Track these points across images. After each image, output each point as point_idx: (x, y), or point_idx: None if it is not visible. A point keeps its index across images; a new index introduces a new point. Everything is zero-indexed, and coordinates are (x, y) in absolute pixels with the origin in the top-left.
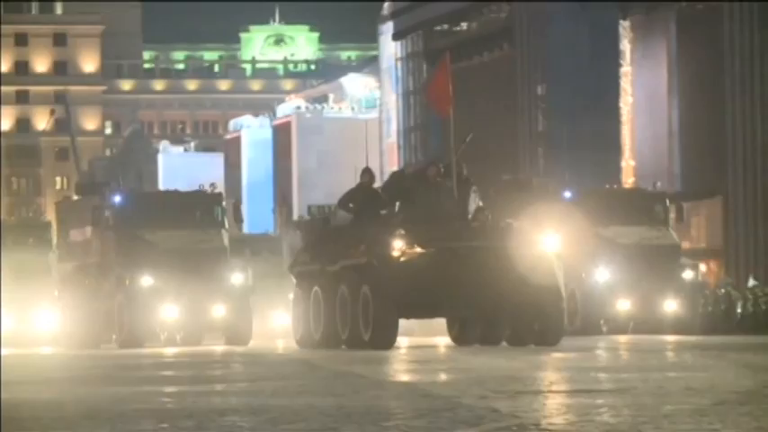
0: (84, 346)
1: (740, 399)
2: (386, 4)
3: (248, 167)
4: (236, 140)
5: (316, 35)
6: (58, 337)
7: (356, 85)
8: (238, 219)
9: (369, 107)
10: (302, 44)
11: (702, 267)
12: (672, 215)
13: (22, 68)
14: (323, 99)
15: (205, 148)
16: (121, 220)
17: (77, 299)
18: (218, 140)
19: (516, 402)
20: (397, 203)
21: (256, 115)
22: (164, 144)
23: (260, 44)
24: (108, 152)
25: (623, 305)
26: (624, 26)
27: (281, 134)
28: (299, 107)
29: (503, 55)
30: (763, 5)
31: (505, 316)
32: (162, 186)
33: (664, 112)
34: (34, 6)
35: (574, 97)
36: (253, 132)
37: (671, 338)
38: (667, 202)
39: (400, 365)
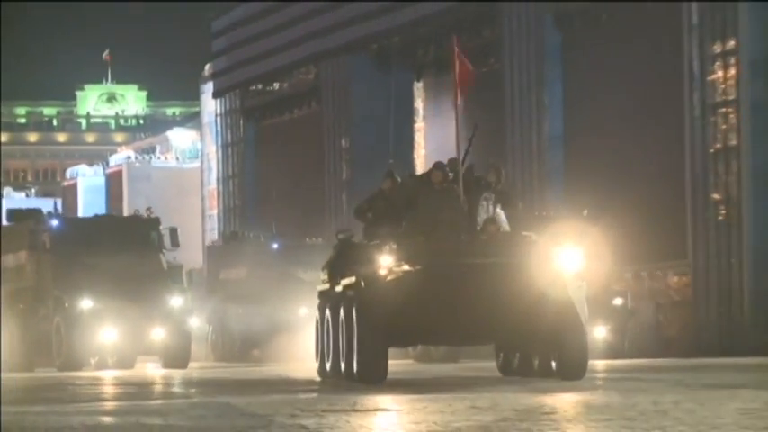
0: (17, 369)
1: (519, 416)
2: (207, 66)
3: (84, 211)
4: (73, 187)
5: (144, 93)
6: None
7: (180, 138)
8: (176, 243)
9: (192, 157)
10: (132, 101)
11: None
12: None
13: None
14: (151, 150)
15: (45, 193)
16: (59, 243)
17: (10, 323)
18: (56, 187)
19: (322, 420)
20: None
21: (91, 164)
22: (7, 190)
23: (94, 101)
24: None
25: None
26: (418, 87)
27: (114, 181)
28: (129, 157)
29: (311, 112)
30: (540, 70)
31: (518, 344)
32: None
33: None
34: None
35: (373, 149)
36: (87, 180)
37: None
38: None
39: (232, 388)
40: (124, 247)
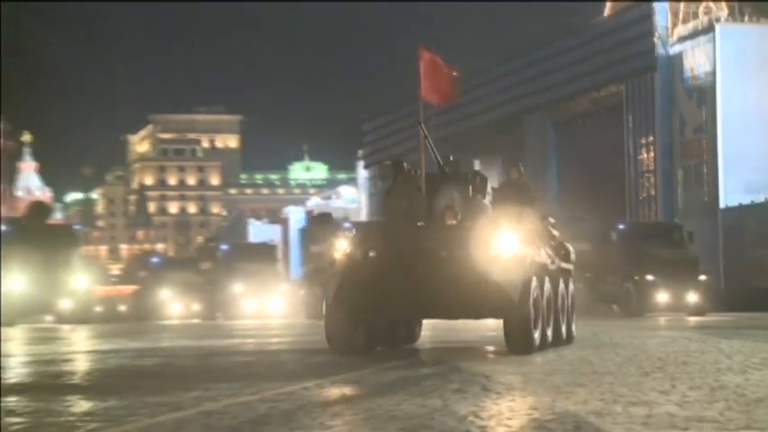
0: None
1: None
2: (360, 150)
3: (292, 232)
4: (287, 219)
5: (326, 166)
6: (290, 312)
7: (346, 191)
8: None
9: (353, 202)
10: (320, 171)
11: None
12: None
13: (181, 184)
14: (329, 198)
15: (272, 222)
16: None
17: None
18: (278, 218)
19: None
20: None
21: (297, 206)
22: (251, 220)
23: (299, 171)
24: (225, 225)
25: (663, 297)
26: (477, 164)
27: (310, 215)
28: (318, 202)
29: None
30: (544, 155)
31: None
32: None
33: None
34: (188, 151)
35: None
36: (294, 215)
37: (664, 317)
38: (684, 229)
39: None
40: None
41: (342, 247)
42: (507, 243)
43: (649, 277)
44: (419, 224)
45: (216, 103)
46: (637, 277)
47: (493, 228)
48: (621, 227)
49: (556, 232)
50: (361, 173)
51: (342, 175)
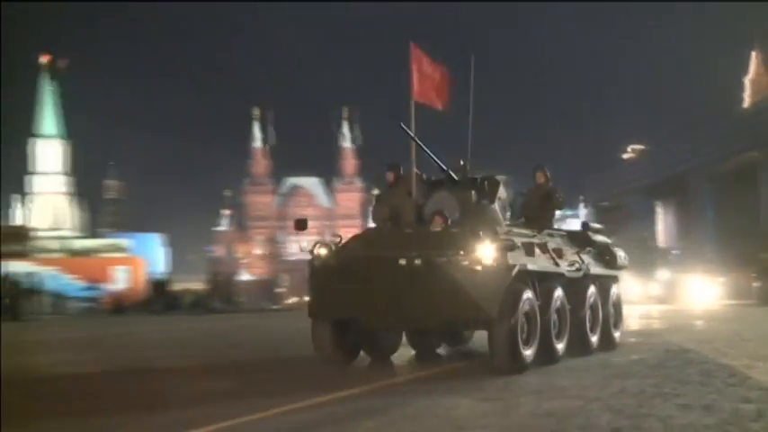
0: None
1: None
2: (581, 196)
3: None
4: None
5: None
6: None
7: (570, 224)
8: None
9: None
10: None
11: None
12: None
13: None
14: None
15: None
16: None
17: None
18: None
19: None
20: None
21: None
22: None
23: None
24: None
25: None
26: (658, 205)
27: None
28: None
29: None
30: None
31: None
32: None
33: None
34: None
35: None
36: None
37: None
38: None
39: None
40: None
41: (320, 253)
42: (487, 251)
43: None
44: (407, 231)
45: (490, 167)
46: None
47: (474, 235)
48: None
49: (600, 238)
50: (582, 211)
51: (569, 212)
